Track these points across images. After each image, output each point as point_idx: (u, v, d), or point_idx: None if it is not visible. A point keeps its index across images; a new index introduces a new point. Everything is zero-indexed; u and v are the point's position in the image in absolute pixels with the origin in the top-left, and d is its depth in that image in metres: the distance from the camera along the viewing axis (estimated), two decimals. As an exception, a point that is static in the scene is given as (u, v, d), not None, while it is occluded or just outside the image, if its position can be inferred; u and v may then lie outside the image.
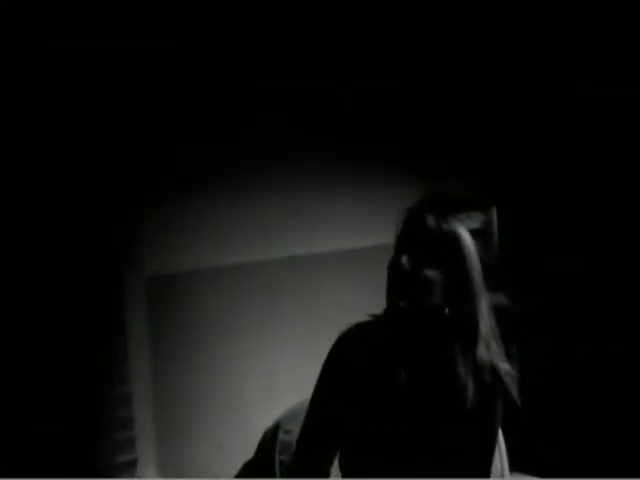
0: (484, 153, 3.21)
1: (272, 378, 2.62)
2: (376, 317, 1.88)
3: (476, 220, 3.12)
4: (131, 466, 2.29)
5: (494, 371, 1.89)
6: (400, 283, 1.76)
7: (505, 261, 3.04)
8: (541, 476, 2.36)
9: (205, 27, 2.46)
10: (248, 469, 2.48)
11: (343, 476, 1.86)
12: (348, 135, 2.89)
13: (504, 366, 1.93)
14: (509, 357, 2.91)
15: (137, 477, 2.29)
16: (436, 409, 1.82)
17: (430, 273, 1.74)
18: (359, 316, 1.94)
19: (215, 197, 2.53)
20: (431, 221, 1.79)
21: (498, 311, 2.93)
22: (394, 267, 1.78)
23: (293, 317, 2.70)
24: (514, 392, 1.98)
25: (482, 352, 1.84)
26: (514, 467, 2.41)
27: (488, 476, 1.90)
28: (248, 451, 2.48)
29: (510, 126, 3.22)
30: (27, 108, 2.13)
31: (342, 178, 2.86)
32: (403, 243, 1.80)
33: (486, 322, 1.86)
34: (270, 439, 2.42)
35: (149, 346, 2.38)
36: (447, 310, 1.79)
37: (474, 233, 3.01)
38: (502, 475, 2.31)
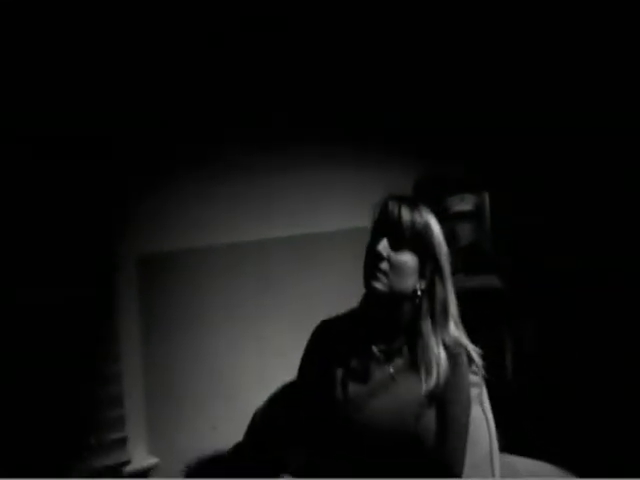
0: (478, 137, 3.23)
1: (266, 359, 2.62)
2: (352, 309, 2.10)
3: (469, 202, 3.14)
4: (121, 444, 2.29)
5: (463, 347, 2.08)
6: (376, 266, 1.94)
7: (498, 244, 3.05)
8: (532, 457, 2.36)
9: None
10: (240, 450, 2.48)
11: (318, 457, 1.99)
12: (346, 117, 2.90)
13: (470, 343, 2.11)
14: (502, 339, 2.95)
15: (128, 456, 2.29)
16: (410, 385, 1.98)
17: (404, 258, 1.96)
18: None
19: (211, 176, 2.52)
20: (405, 211, 1.96)
21: (491, 293, 2.97)
22: (371, 252, 1.98)
23: (288, 298, 2.70)
24: (482, 367, 2.18)
25: (452, 330, 2.05)
26: (505, 448, 2.43)
27: (463, 451, 2.01)
28: (239, 431, 2.45)
29: (504, 110, 3.22)
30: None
31: (340, 159, 2.87)
32: (379, 230, 1.99)
33: (455, 303, 2.06)
34: (260, 419, 2.43)
35: (140, 325, 2.37)
36: (420, 292, 1.99)
37: (467, 215, 3.06)
38: (491, 455, 2.30)
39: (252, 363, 2.60)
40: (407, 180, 3.13)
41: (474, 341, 2.92)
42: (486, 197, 3.11)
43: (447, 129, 3.20)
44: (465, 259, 3.04)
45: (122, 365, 2.32)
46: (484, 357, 2.93)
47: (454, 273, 2.97)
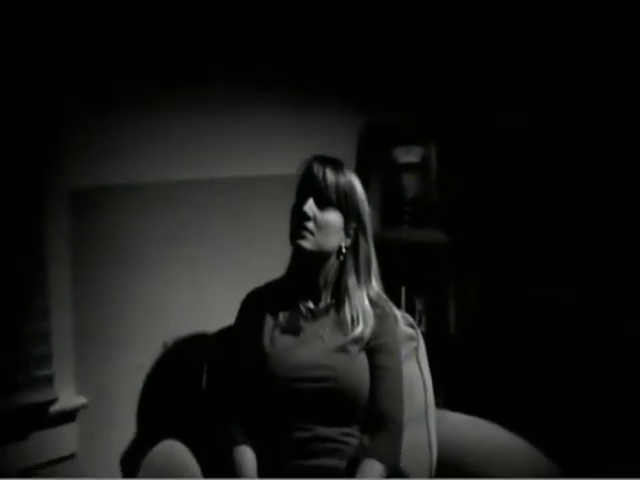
0: (425, 86, 3.17)
1: (201, 303, 2.56)
2: (278, 277, 2.19)
3: (415, 154, 3.11)
4: (48, 382, 2.21)
5: (387, 300, 2.18)
6: (303, 226, 2.01)
7: (443, 197, 3.03)
8: (469, 414, 2.38)
9: None
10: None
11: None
12: (287, 59, 2.81)
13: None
14: (445, 294, 2.96)
15: (55, 394, 2.21)
16: (338, 339, 2.05)
17: (330, 216, 2.04)
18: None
19: (146, 114, 2.42)
20: (330, 171, 2.05)
21: (436, 247, 2.96)
22: (297, 212, 2.05)
23: (225, 240, 2.63)
24: (405, 321, 2.33)
25: (375, 284, 2.14)
26: (442, 404, 2.44)
27: (400, 403, 2.08)
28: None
29: (451, 60, 3.17)
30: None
31: (281, 104, 2.80)
32: (305, 190, 2.05)
33: (376, 259, 2.15)
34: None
35: (70, 260, 2.27)
36: (344, 249, 2.07)
37: (413, 167, 3.03)
38: (426, 410, 2.33)
39: (186, 306, 2.53)
40: (351, 130, 3.10)
41: (418, 295, 2.97)
42: (433, 149, 3.08)
43: (393, 77, 3.14)
44: (410, 212, 3.04)
45: (50, 300, 2.22)
46: (426, 311, 3.00)
47: (399, 226, 3.03)
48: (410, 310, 2.88)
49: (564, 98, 2.93)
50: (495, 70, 3.08)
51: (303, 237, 2.02)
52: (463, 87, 3.15)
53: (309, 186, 2.05)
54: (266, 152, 2.76)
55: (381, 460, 1.95)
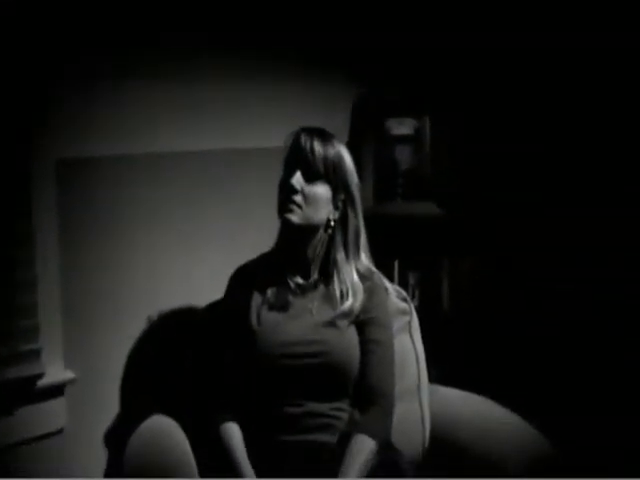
0: (419, 56, 3.12)
1: (188, 275, 2.54)
2: (266, 252, 2.17)
3: (409, 126, 3.07)
4: (35, 356, 2.18)
5: (376, 274, 2.15)
6: (291, 199, 1.98)
7: (437, 169, 3.00)
8: (463, 389, 2.38)
9: None
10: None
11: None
12: (284, 30, 2.77)
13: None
14: (439, 268, 2.94)
15: (42, 368, 2.19)
16: (327, 313, 2.04)
17: (318, 189, 2.01)
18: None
19: (132, 84, 2.38)
20: (317, 143, 2.01)
21: (429, 221, 2.94)
22: (284, 185, 2.02)
23: (215, 213, 2.60)
24: (397, 294, 2.33)
25: (363, 258, 2.11)
26: (435, 378, 2.43)
27: (391, 378, 2.06)
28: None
29: (446, 28, 3.12)
30: None
31: (272, 74, 2.75)
32: (292, 163, 2.02)
33: (365, 232, 2.13)
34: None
35: (58, 231, 2.24)
36: (333, 222, 2.04)
37: (406, 139, 2.99)
38: (419, 385, 2.32)
39: (176, 279, 2.51)
40: (344, 102, 3.05)
41: (411, 269, 2.95)
42: (427, 121, 3.02)
43: (386, 47, 3.09)
44: (404, 185, 3.00)
45: (37, 272, 2.19)
46: (419, 285, 2.98)
47: (392, 199, 3.00)
48: (403, 284, 2.84)
49: (562, 68, 2.89)
50: (491, 39, 3.03)
51: (291, 211, 1.99)
52: (458, 57, 3.10)
53: (296, 158, 2.02)
54: (257, 124, 2.72)
55: (372, 435, 1.94)
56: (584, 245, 2.85)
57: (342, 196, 2.06)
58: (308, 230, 2.04)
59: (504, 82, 3.03)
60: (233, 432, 1.98)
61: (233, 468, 1.92)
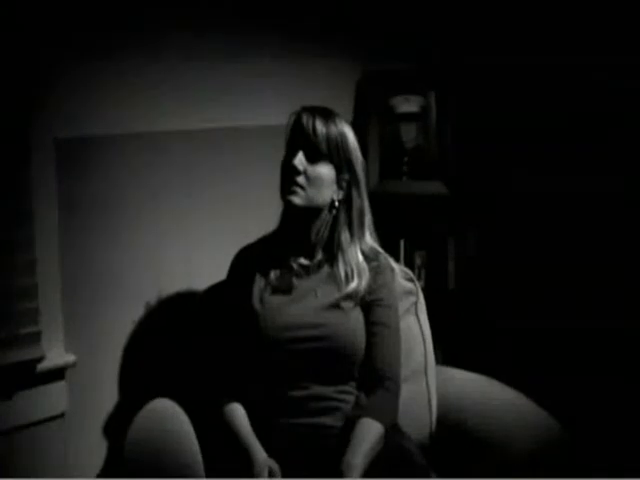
0: (425, 31, 3.07)
1: (192, 255, 2.51)
2: (270, 232, 2.14)
3: (414, 103, 3.02)
4: (35, 339, 2.15)
5: (382, 254, 2.12)
6: (293, 181, 1.94)
7: (443, 148, 2.95)
8: (470, 371, 2.36)
9: None
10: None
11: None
12: (287, 5, 2.73)
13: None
14: (446, 248, 2.91)
15: (42, 352, 2.16)
16: (332, 295, 2.01)
17: (321, 170, 1.97)
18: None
19: (131, 62, 2.34)
20: (320, 122, 1.97)
21: (435, 200, 2.90)
22: (287, 166, 1.98)
23: (214, 191, 2.57)
24: (403, 275, 2.31)
25: (368, 238, 2.07)
26: (442, 360, 2.41)
27: (397, 360, 2.04)
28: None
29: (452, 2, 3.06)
30: None
31: (275, 51, 2.71)
32: (294, 143, 1.98)
33: (369, 211, 2.09)
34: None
35: (58, 212, 2.20)
36: (337, 202, 2.00)
37: (412, 117, 2.95)
38: (425, 367, 2.29)
39: (177, 258, 2.48)
40: (348, 79, 3.02)
41: (417, 249, 2.91)
42: (433, 98, 2.97)
43: (392, 22, 3.03)
44: (409, 163, 2.96)
45: (36, 254, 2.16)
46: (426, 265, 2.95)
47: (398, 177, 2.96)
48: (409, 264, 2.83)
49: (571, 42, 2.83)
50: (500, 14, 2.97)
51: (294, 192, 1.95)
52: (466, 32, 3.04)
53: (298, 139, 1.99)
54: (260, 102, 2.68)
55: (378, 419, 1.92)
56: (591, 223, 2.81)
57: (346, 176, 2.03)
58: (312, 212, 2.01)
59: (515, 54, 2.96)
60: (238, 413, 1.97)
61: (241, 449, 1.90)
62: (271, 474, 1.84)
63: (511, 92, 2.97)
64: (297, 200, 1.95)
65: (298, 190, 1.95)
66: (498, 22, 2.98)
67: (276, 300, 2.00)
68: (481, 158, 2.98)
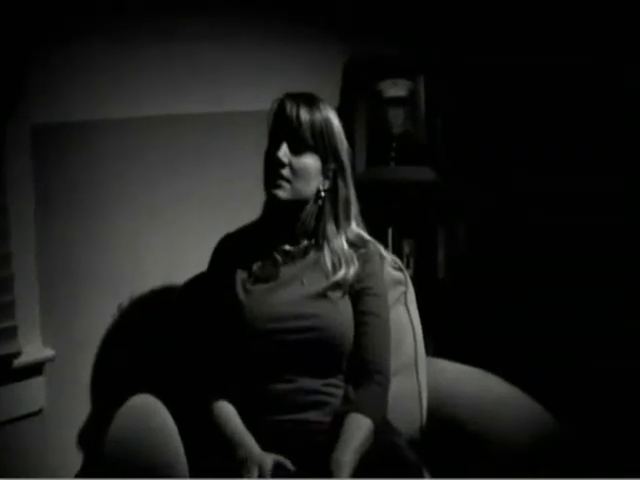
0: (414, 12, 3.02)
1: (170, 247, 2.46)
2: (254, 220, 2.09)
3: (402, 87, 2.97)
4: (11, 333, 2.11)
5: (370, 242, 2.09)
6: (278, 174, 1.91)
7: (432, 133, 2.90)
8: (461, 362, 2.32)
9: None
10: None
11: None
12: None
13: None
14: (435, 237, 2.89)
15: (19, 347, 2.12)
16: (318, 283, 1.97)
17: (306, 161, 1.91)
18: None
19: (112, 46, 2.29)
20: (303, 110, 1.92)
21: (424, 186, 2.86)
22: (270, 158, 1.91)
23: (197, 182, 2.52)
24: (392, 264, 2.27)
25: (354, 227, 2.03)
26: (432, 352, 2.39)
27: (387, 351, 2.00)
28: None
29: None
30: None
31: (259, 36, 2.66)
32: (277, 134, 1.92)
33: (356, 201, 2.05)
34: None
35: (34, 202, 2.16)
36: (323, 192, 1.98)
37: (400, 101, 2.90)
38: (415, 359, 2.26)
39: (159, 249, 2.44)
40: (334, 63, 2.96)
41: (406, 237, 2.87)
42: (421, 82, 2.92)
43: (378, 4, 2.98)
44: (397, 149, 2.91)
45: (11, 246, 2.12)
46: (415, 254, 2.91)
47: (386, 164, 2.91)
48: (398, 253, 2.78)
49: (562, 29, 2.80)
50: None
51: (279, 186, 1.91)
52: (455, 15, 3.01)
53: (282, 129, 1.93)
54: (245, 86, 2.64)
55: (368, 414, 1.87)
56: (584, 212, 2.78)
57: (332, 165, 1.98)
58: (297, 204, 1.97)
59: (504, 39, 2.94)
60: (227, 410, 1.91)
61: (232, 447, 1.84)
62: (278, 467, 1.78)
63: (504, 74, 2.95)
64: (282, 194, 1.91)
65: (283, 184, 1.91)
66: (493, 10, 2.96)
67: (260, 289, 1.96)
68: (471, 143, 2.97)
